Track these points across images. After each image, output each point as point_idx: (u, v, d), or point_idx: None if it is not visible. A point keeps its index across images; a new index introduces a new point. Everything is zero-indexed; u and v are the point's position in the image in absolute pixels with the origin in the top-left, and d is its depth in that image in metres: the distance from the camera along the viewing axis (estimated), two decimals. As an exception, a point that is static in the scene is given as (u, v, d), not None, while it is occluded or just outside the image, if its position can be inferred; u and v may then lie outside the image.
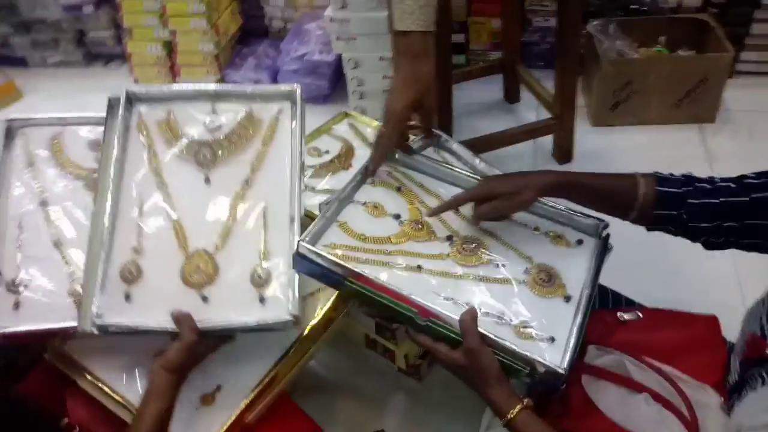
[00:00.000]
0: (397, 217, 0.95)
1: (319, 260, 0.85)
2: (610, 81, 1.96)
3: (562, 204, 0.93)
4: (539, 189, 0.85)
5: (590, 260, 0.91)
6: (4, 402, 0.92)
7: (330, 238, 0.91)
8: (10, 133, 1.03)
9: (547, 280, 0.88)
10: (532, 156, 1.94)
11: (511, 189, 0.86)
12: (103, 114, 0.98)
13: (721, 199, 0.80)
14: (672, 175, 0.85)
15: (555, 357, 0.79)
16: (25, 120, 1.05)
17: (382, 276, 0.85)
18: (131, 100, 0.99)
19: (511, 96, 2.16)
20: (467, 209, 0.96)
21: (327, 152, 1.36)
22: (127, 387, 0.93)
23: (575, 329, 0.82)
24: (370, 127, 1.42)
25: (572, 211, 0.94)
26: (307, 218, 1.16)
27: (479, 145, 1.75)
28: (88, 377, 0.94)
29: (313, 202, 1.21)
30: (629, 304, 1.04)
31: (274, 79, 2.19)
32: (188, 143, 0.98)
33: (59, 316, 0.90)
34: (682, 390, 0.84)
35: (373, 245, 0.90)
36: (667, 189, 0.82)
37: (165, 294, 0.88)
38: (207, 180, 0.95)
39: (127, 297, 0.88)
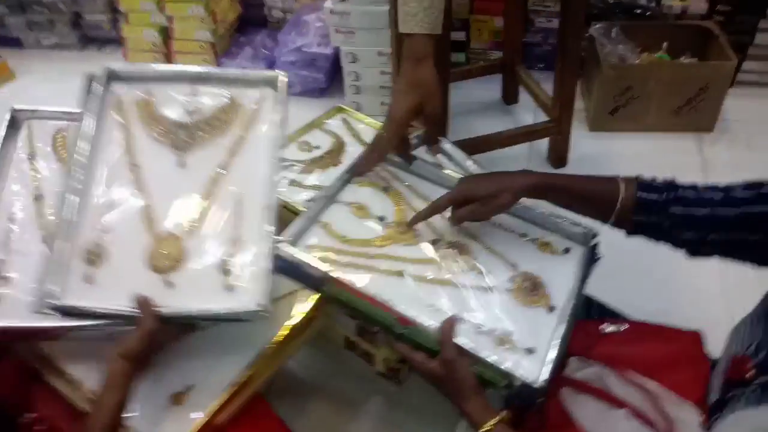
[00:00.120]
0: (382, 219, 0.93)
1: (297, 263, 0.83)
2: (610, 85, 1.94)
3: (551, 210, 0.92)
4: (517, 191, 0.84)
5: (577, 269, 0.89)
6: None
7: (311, 239, 0.89)
8: (14, 123, 1.00)
9: (531, 289, 0.87)
10: (527, 159, 1.92)
11: (489, 192, 0.84)
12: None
13: (707, 210, 0.78)
14: (654, 180, 0.83)
15: (533, 370, 0.77)
16: (31, 112, 1.02)
17: (363, 281, 0.83)
18: (110, 77, 0.96)
19: (510, 97, 2.14)
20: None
21: (318, 147, 1.34)
22: (97, 383, 0.90)
23: (556, 342, 0.80)
24: (364, 123, 1.40)
25: (561, 217, 0.92)
26: (292, 213, 1.15)
27: (474, 146, 1.73)
28: (57, 372, 0.92)
29: (300, 198, 1.19)
30: (614, 316, 1.02)
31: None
32: (165, 125, 0.95)
33: (38, 315, 0.86)
34: (662, 407, 0.83)
35: (356, 248, 0.88)
36: (647, 195, 0.80)
37: (128, 278, 0.85)
38: (182, 163, 0.93)
39: (89, 279, 0.85)
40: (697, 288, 1.43)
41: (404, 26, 0.91)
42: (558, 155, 1.86)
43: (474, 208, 0.85)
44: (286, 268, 0.85)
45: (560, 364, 0.83)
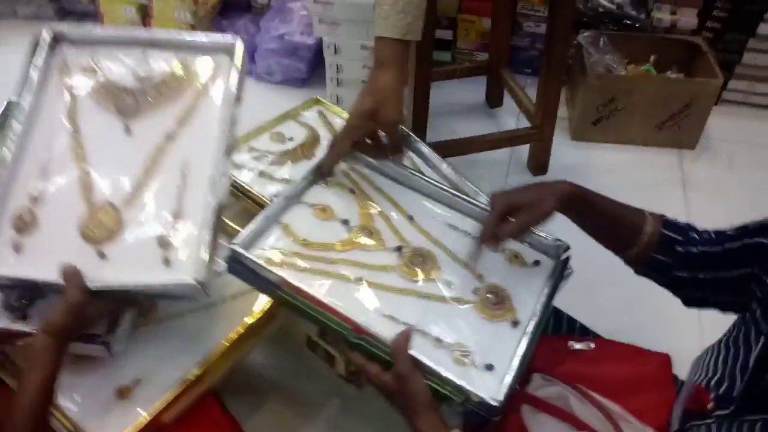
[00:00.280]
0: (345, 222, 0.89)
1: (252, 266, 0.79)
2: (594, 95, 1.92)
3: None
4: (559, 199, 0.79)
5: (545, 284, 0.86)
6: None
7: (269, 241, 0.84)
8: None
9: (496, 303, 0.83)
10: (506, 164, 1.89)
11: (531, 199, 0.79)
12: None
13: (699, 248, 0.76)
14: (677, 221, 0.81)
15: (491, 387, 0.74)
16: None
17: (320, 287, 0.79)
18: (57, 39, 0.91)
19: (494, 100, 2.11)
20: (428, 217, 0.91)
21: (291, 139, 1.30)
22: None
23: (517, 359, 0.76)
24: (341, 117, 1.36)
25: (534, 229, 0.89)
26: (258, 206, 1.11)
27: (454, 147, 1.70)
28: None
29: (269, 190, 1.16)
30: (583, 333, 1.00)
31: (252, 57, 2.10)
32: (111, 89, 0.90)
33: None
34: (622, 430, 0.80)
35: (316, 252, 0.84)
36: (670, 233, 0.78)
37: (59, 247, 0.80)
38: (127, 129, 0.88)
39: (17, 247, 0.80)
40: (670, 306, 1.39)
41: (376, 28, 0.89)
42: (538, 162, 1.84)
43: (522, 219, 0.80)
44: (239, 270, 0.80)
45: (522, 380, 0.80)
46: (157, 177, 0.86)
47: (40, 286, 0.79)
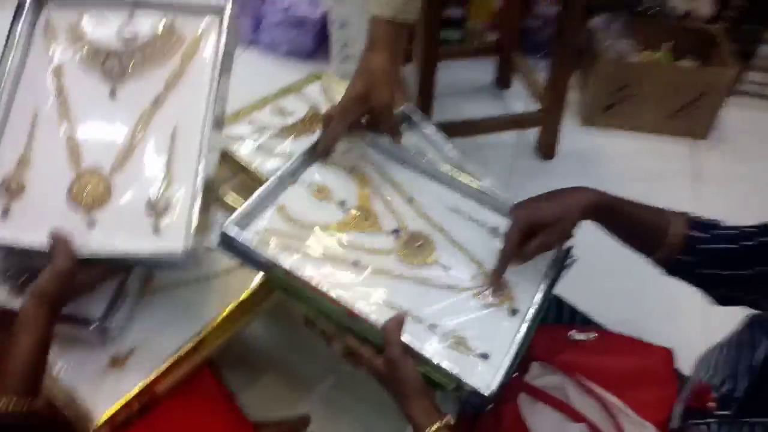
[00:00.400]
0: (342, 203, 0.86)
1: (244, 247, 0.77)
2: (606, 81, 1.87)
3: None
4: (581, 212, 0.77)
5: (547, 271, 0.83)
6: None
7: (263, 222, 0.82)
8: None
9: (495, 290, 0.81)
10: (513, 147, 1.86)
11: (555, 216, 0.76)
12: None
13: (720, 245, 0.74)
14: (702, 218, 0.78)
15: (485, 376, 0.72)
16: None
17: (314, 270, 0.77)
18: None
19: (502, 82, 2.07)
20: (429, 199, 0.88)
21: (292, 113, 1.26)
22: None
23: (514, 348, 0.74)
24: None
25: None
26: (255, 181, 1.08)
27: (460, 129, 1.67)
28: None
29: (268, 165, 1.13)
30: (585, 323, 0.97)
31: (256, 29, 2.06)
32: (96, 51, 0.87)
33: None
34: (621, 425, 0.78)
35: (310, 233, 0.82)
36: (695, 233, 0.76)
37: (47, 213, 0.78)
38: (112, 93, 0.85)
39: (5, 211, 0.78)
40: (676, 300, 1.38)
41: (370, 6, 0.84)
42: (546, 147, 1.80)
43: (542, 240, 0.77)
44: (232, 249, 0.78)
45: (518, 369, 0.78)
46: (145, 142, 0.83)
47: (27, 252, 0.76)
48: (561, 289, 0.86)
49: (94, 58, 0.86)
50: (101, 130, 0.83)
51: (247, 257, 0.78)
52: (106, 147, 0.83)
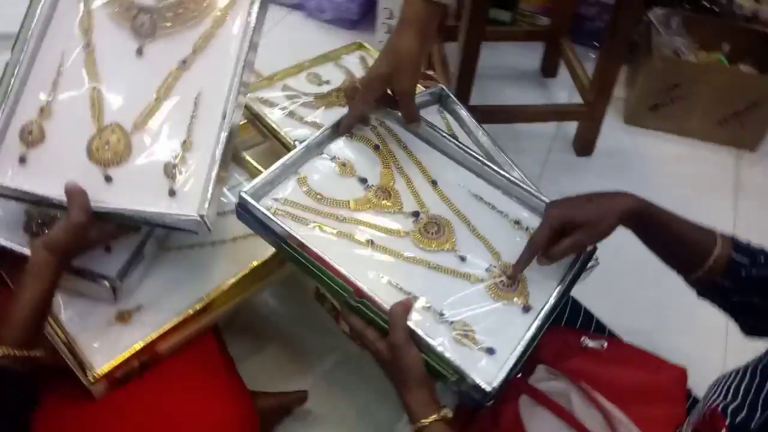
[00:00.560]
0: (364, 181, 0.84)
1: (259, 216, 0.76)
2: (656, 79, 1.80)
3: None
4: (620, 216, 0.73)
5: (567, 271, 0.80)
6: None
7: (283, 191, 0.81)
8: None
9: (509, 284, 0.78)
10: (551, 139, 1.80)
11: (590, 217, 0.73)
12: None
13: (758, 271, 0.71)
14: (749, 244, 0.74)
15: (489, 371, 0.70)
16: None
17: (326, 245, 0.76)
18: None
19: (549, 70, 2.00)
20: (453, 183, 0.85)
21: (327, 82, 1.24)
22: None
23: (522, 346, 0.72)
24: (383, 66, 1.30)
25: None
26: (283, 147, 1.07)
27: (498, 114, 1.63)
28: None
29: (297, 133, 1.11)
30: (599, 330, 0.95)
31: (304, -9, 2.03)
32: (127, 7, 0.86)
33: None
34: (623, 441, 0.76)
35: (328, 208, 0.80)
36: (739, 258, 0.72)
37: (65, 165, 0.79)
38: (139, 51, 0.85)
39: (22, 159, 0.79)
40: (698, 317, 1.33)
41: None
42: (585, 142, 1.75)
43: (576, 240, 0.74)
44: (247, 218, 0.78)
45: (523, 369, 0.76)
46: (168, 104, 0.83)
47: (41, 201, 0.77)
48: (577, 292, 0.84)
49: (124, 14, 0.86)
50: (126, 88, 0.83)
51: (262, 226, 0.77)
52: (130, 105, 0.82)
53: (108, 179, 0.79)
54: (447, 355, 0.69)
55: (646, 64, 1.81)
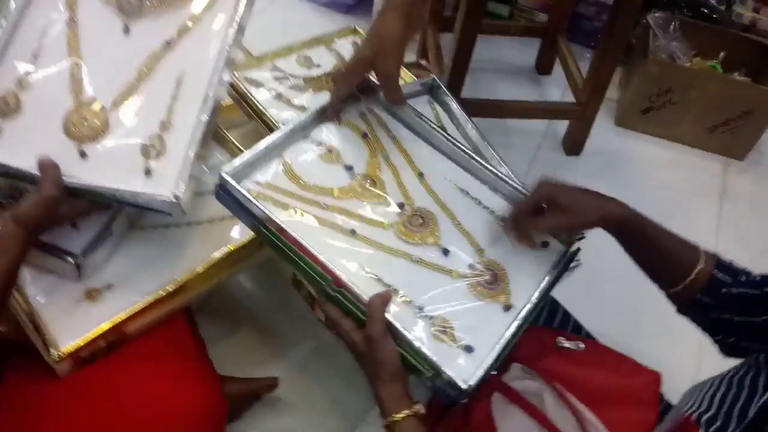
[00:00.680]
0: (350, 168, 0.82)
1: (239, 197, 0.74)
2: (650, 82, 1.79)
3: None
4: (602, 216, 0.74)
5: (549, 270, 0.79)
6: None
7: (265, 175, 0.79)
8: None
9: (491, 282, 0.77)
10: (540, 137, 1.79)
11: (573, 204, 0.74)
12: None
13: (739, 289, 0.71)
14: (732, 263, 0.74)
15: (466, 369, 0.69)
16: None
17: (308, 232, 0.74)
18: None
19: (543, 67, 1.99)
20: (440, 176, 0.84)
21: (318, 66, 1.22)
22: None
23: (500, 345, 0.71)
24: (375, 52, 1.28)
25: None
26: (268, 130, 1.05)
27: (489, 108, 1.61)
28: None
29: (284, 115, 1.09)
30: (576, 331, 0.94)
31: (300, -28, 2.00)
32: None
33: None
34: (593, 444, 0.76)
35: (311, 194, 0.79)
36: (721, 276, 0.72)
37: (40, 137, 0.77)
38: (126, 29, 0.83)
39: None
40: (675, 324, 1.31)
41: None
42: (575, 142, 1.74)
43: (556, 220, 0.75)
44: (226, 199, 0.76)
45: (502, 366, 0.76)
46: (150, 83, 0.82)
47: (13, 173, 0.75)
48: (557, 292, 0.83)
49: None
50: (108, 65, 0.82)
51: (241, 208, 0.76)
52: (110, 82, 0.81)
53: (83, 155, 0.77)
54: (424, 350, 0.68)
55: (641, 66, 1.80)
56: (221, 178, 0.75)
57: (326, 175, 0.82)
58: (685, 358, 1.30)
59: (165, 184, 0.76)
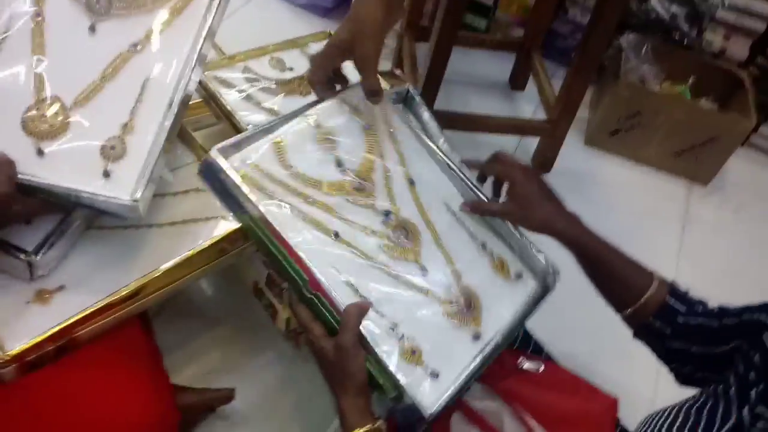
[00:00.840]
0: (341, 163, 0.80)
1: (225, 178, 0.71)
2: (620, 105, 1.82)
3: (526, 233, 0.82)
4: (551, 231, 0.76)
5: (521, 306, 0.81)
6: None
7: (254, 155, 0.76)
8: None
9: (464, 307, 0.77)
10: (510, 152, 1.80)
11: (530, 202, 0.77)
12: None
13: (697, 319, 0.72)
14: (687, 292, 0.76)
15: (429, 395, 0.69)
16: None
17: (290, 226, 0.72)
18: None
19: (517, 83, 2.01)
20: (429, 186, 0.85)
21: (291, 69, 1.20)
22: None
23: (465, 375, 0.72)
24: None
25: (530, 242, 0.83)
26: (236, 131, 1.02)
27: (460, 121, 1.61)
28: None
29: (252, 118, 1.07)
30: (536, 351, 0.94)
31: (279, -28, 1.97)
32: None
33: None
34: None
35: (298, 184, 0.76)
36: (674, 303, 0.73)
37: None
38: (92, 28, 0.82)
39: None
40: (633, 346, 1.34)
41: None
42: (544, 159, 1.75)
43: (506, 209, 0.78)
44: (211, 179, 0.73)
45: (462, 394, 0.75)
46: (114, 85, 0.80)
47: None
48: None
49: None
50: (72, 63, 0.80)
51: (224, 192, 0.73)
52: (73, 81, 0.79)
53: (40, 153, 0.75)
54: (392, 369, 0.67)
55: (612, 88, 1.83)
56: (205, 160, 0.72)
57: (318, 165, 0.78)
58: (643, 382, 1.32)
59: (123, 187, 0.74)
